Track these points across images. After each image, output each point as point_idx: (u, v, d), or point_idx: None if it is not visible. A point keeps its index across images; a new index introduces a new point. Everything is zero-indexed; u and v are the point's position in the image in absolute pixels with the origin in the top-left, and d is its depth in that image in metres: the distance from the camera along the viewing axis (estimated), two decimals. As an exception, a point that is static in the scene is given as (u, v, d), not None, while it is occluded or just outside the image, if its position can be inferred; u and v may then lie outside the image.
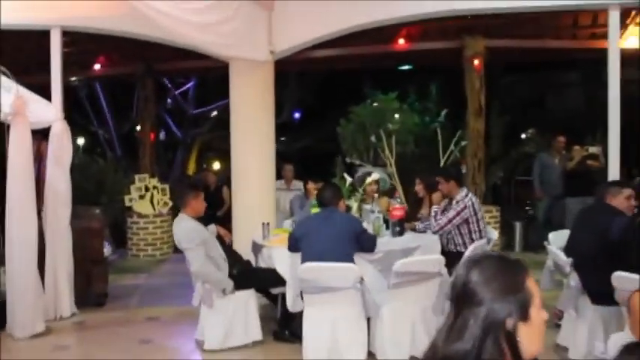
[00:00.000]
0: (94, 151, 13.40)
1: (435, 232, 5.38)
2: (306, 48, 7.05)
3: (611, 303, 4.02)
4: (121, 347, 5.18)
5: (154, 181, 9.46)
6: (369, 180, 6.11)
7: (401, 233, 5.36)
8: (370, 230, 5.14)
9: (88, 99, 15.40)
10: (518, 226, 9.15)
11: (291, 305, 4.88)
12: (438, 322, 4.61)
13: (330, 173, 8.31)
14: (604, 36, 8.80)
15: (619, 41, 5.74)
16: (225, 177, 10.60)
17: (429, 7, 6.22)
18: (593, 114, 14.06)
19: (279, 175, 7.66)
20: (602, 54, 9.17)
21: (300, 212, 6.93)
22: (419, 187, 6.26)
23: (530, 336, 1.38)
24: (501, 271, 1.42)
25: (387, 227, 5.49)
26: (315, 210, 5.29)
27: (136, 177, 9.47)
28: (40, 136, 6.10)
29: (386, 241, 5.11)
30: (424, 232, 5.64)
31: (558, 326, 4.80)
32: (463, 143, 8.52)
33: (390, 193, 7.02)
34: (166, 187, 9.55)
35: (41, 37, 6.22)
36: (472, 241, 5.33)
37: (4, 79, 5.39)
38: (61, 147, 5.96)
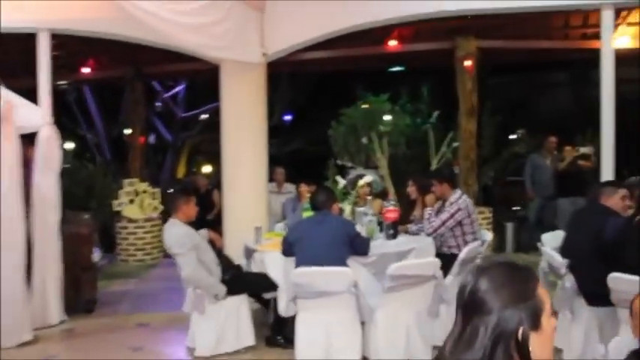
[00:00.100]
0: (83, 156, 13.25)
1: (428, 235, 5.34)
2: (297, 50, 7.01)
3: (606, 304, 3.99)
4: (111, 354, 5.10)
5: (144, 185, 9.37)
6: (361, 182, 6.06)
7: (394, 236, 5.31)
8: (363, 233, 5.09)
9: (76, 103, 15.25)
10: (509, 227, 9.14)
11: (284, 310, 4.82)
12: (433, 325, 4.59)
13: (322, 176, 8.26)
14: (595, 36, 8.83)
15: (611, 41, 5.71)
16: (215, 180, 10.54)
17: (420, 8, 6.19)
18: (583, 114, 14.12)
19: (270, 178, 7.60)
20: (594, 54, 9.20)
21: (293, 215, 6.88)
22: (411, 189, 6.22)
23: (541, 345, 1.34)
24: (511, 279, 1.37)
25: (381, 230, 5.45)
26: (308, 213, 5.24)
27: (126, 181, 9.38)
28: (27, 140, 6.00)
29: (379, 244, 5.06)
30: (417, 234, 5.59)
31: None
32: (455, 144, 8.52)
33: (382, 195, 6.99)
34: (156, 191, 9.46)
35: (28, 39, 6.12)
36: (466, 243, 5.28)
37: (-10, 83, 5.30)
38: (50, 152, 5.87)
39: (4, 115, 5.24)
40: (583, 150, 8.41)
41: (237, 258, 5.56)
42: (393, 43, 9.21)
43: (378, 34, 8.66)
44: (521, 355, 1.32)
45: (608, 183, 4.72)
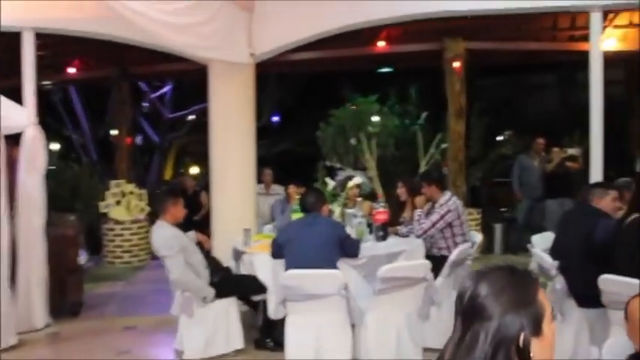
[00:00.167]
0: (68, 157, 13.12)
1: (418, 236, 5.31)
2: (286, 50, 6.97)
3: (597, 305, 3.99)
4: (97, 358, 5.02)
5: (131, 187, 9.28)
6: (351, 184, 6.04)
7: (384, 238, 5.29)
8: (353, 235, 5.06)
9: (62, 103, 15.10)
10: (498, 228, 9.15)
11: (274, 313, 4.79)
12: (423, 327, 4.57)
13: (311, 177, 8.23)
14: (583, 38, 8.89)
15: (600, 43, 5.73)
16: (203, 181, 10.47)
17: (409, 9, 6.18)
18: (570, 116, 14.22)
19: (257, 180, 7.55)
20: (581, 56, 9.25)
21: (281, 217, 6.83)
22: (401, 191, 6.19)
23: (542, 351, 1.31)
24: (511, 284, 1.34)
25: (370, 231, 5.42)
26: (297, 215, 5.20)
27: (112, 182, 9.29)
28: (12, 141, 5.91)
29: (369, 246, 5.03)
30: (407, 236, 5.57)
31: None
32: (444, 145, 8.53)
33: (371, 196, 6.96)
34: (143, 192, 9.38)
35: (12, 38, 6.02)
36: (456, 244, 5.27)
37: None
38: (35, 153, 5.78)
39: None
40: (571, 151, 8.45)
41: (226, 260, 5.51)
42: (381, 44, 9.20)
43: (366, 35, 8.65)
44: None
45: (598, 184, 4.73)
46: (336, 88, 11.23)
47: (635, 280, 3.52)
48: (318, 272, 4.31)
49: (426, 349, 4.58)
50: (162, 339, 5.39)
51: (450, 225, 5.30)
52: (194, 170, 14.98)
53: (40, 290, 5.76)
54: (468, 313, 1.35)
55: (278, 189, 8.87)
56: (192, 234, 5.34)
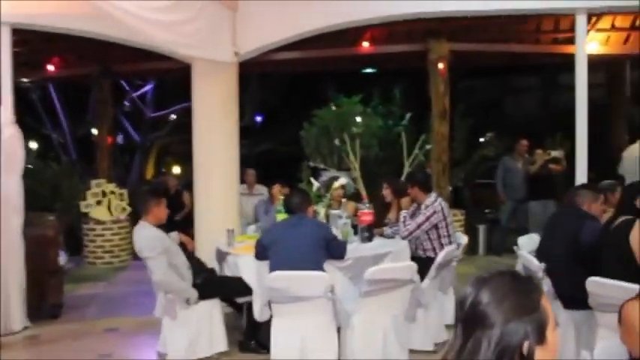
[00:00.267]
0: (47, 156, 12.90)
1: (403, 238, 5.29)
2: (269, 50, 6.91)
3: (583, 307, 3.99)
4: (78, 362, 4.93)
5: (112, 186, 9.16)
6: (336, 185, 6.00)
7: (370, 239, 5.26)
8: (339, 236, 5.02)
9: (40, 101, 14.86)
10: (481, 229, 9.18)
11: (259, 315, 4.73)
12: (410, 330, 4.55)
13: (294, 177, 8.17)
14: (566, 41, 8.97)
15: (585, 46, 5.75)
16: (184, 181, 10.36)
17: (393, 9, 6.18)
18: (552, 118, 14.35)
19: (240, 180, 7.48)
20: (565, 59, 9.31)
21: (265, 218, 6.77)
22: (386, 192, 6.17)
23: (546, 359, 1.27)
24: (514, 290, 1.31)
25: (355, 233, 5.39)
26: (282, 216, 5.15)
27: (93, 182, 9.15)
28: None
29: (355, 248, 4.99)
30: (393, 237, 5.55)
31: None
32: (428, 147, 8.52)
33: (355, 197, 6.93)
34: (124, 192, 9.26)
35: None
36: (441, 246, 5.26)
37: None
38: (13, 152, 5.65)
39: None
40: (554, 153, 8.49)
41: (209, 261, 5.43)
42: (366, 45, 9.17)
43: (351, 35, 8.62)
44: None
45: (585, 186, 4.73)
46: (320, 89, 11.20)
47: (622, 283, 3.53)
48: (304, 274, 4.26)
49: (412, 351, 4.56)
50: (145, 341, 5.31)
51: (435, 226, 5.28)
52: (176, 170, 14.84)
53: (18, 292, 5.64)
54: (470, 320, 1.31)
55: (261, 189, 8.81)
56: (175, 235, 5.26)
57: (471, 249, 9.06)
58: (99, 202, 8.96)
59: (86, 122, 13.95)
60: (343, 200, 6.30)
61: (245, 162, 7.38)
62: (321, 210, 5.53)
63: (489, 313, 1.28)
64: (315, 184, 6.00)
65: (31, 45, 8.16)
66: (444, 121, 8.90)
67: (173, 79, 12.65)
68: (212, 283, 5.00)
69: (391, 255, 4.86)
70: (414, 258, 5.07)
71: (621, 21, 8.63)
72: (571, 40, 8.72)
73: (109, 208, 8.99)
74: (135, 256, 7.47)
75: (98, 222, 8.90)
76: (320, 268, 4.39)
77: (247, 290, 4.84)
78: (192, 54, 6.19)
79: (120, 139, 15.22)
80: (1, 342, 5.29)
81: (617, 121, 11.22)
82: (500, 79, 16.65)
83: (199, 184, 6.54)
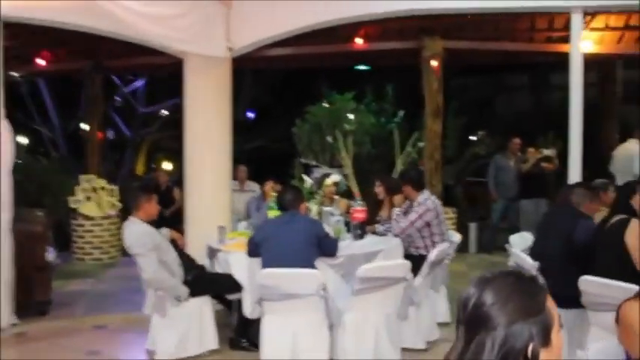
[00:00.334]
0: (36, 151, 12.79)
1: (396, 236, 5.26)
2: (263, 46, 6.85)
3: (576, 306, 3.98)
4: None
5: (102, 182, 9.07)
6: (328, 182, 5.96)
7: (362, 236, 5.23)
8: (331, 234, 4.98)
9: (30, 96, 14.72)
10: (472, 227, 9.17)
11: (250, 312, 4.69)
12: (402, 328, 4.52)
13: (286, 174, 8.13)
14: (560, 40, 8.96)
15: (580, 45, 5.74)
16: (175, 178, 10.29)
17: (388, 6, 6.14)
18: (543, 116, 14.37)
19: (232, 176, 7.42)
20: (558, 58, 9.30)
21: (257, 215, 6.72)
22: (379, 189, 6.13)
23: None
24: (518, 291, 1.27)
25: (348, 230, 5.35)
26: (274, 212, 5.11)
27: (82, 177, 9.06)
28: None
29: (347, 245, 4.96)
30: (385, 234, 5.51)
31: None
32: (420, 144, 8.50)
33: (347, 194, 6.89)
34: (114, 187, 9.18)
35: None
36: (434, 244, 5.23)
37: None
38: (2, 147, 5.56)
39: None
40: (546, 152, 8.50)
41: (200, 258, 5.38)
42: (359, 42, 9.13)
43: (344, 32, 8.58)
44: None
45: (579, 185, 4.71)
46: (313, 85, 11.15)
47: (615, 282, 3.52)
48: (296, 271, 4.22)
49: (403, 350, 4.53)
50: (134, 339, 5.24)
51: (428, 224, 5.25)
52: (166, 166, 14.75)
53: (5, 288, 5.54)
54: (472, 322, 1.27)
55: (252, 186, 8.77)
56: (165, 231, 5.21)
57: (462, 247, 9.05)
58: (88, 198, 8.87)
59: (76, 117, 13.83)
60: (335, 197, 6.26)
61: (236, 158, 7.33)
62: (313, 207, 5.49)
63: (493, 314, 1.25)
64: (308, 181, 5.96)
65: (21, 38, 8.06)
66: (437, 119, 8.87)
67: (164, 74, 12.57)
68: (203, 280, 4.96)
69: (384, 253, 4.83)
70: (406, 256, 5.04)
71: (615, 20, 8.62)
72: (565, 39, 8.72)
73: (98, 204, 8.91)
74: (124, 253, 7.39)
75: (87, 218, 8.81)
76: (312, 265, 4.36)
77: (238, 287, 4.79)
78: (186, 49, 6.13)
79: (110, 134, 15.11)
80: (-13, 339, 5.22)
81: (609, 120, 11.24)
82: (492, 78, 16.65)
83: (191, 180, 6.48)
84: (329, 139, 7.84)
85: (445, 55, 8.73)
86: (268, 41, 6.61)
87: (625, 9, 6.92)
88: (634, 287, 3.29)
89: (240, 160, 9.09)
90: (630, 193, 3.94)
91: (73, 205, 8.82)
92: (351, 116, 9.20)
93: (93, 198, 8.89)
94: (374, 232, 5.58)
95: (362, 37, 9.08)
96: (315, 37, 8.06)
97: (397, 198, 5.77)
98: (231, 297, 5.04)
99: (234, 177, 8.24)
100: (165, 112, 15.63)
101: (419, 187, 5.46)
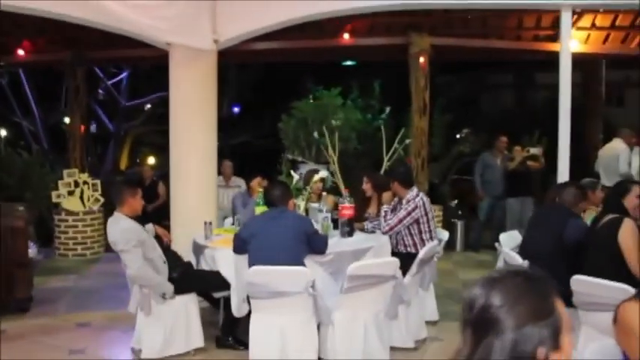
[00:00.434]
0: (17, 144, 12.57)
1: (384, 233, 5.21)
2: (248, 39, 6.76)
3: (566, 305, 3.96)
4: (48, 359, 4.73)
5: (85, 176, 8.92)
6: (316, 178, 5.90)
7: (350, 233, 5.18)
8: (319, 230, 4.92)
9: (10, 87, 14.46)
10: (459, 225, 9.17)
11: (237, 310, 4.62)
12: (391, 326, 4.48)
13: (274, 170, 8.05)
14: (548, 38, 8.97)
15: (569, 43, 5.73)
16: (159, 172, 10.16)
17: (376, 1, 6.08)
18: (528, 115, 14.44)
19: (217, 172, 7.33)
20: (544, 56, 9.32)
21: (243, 211, 6.63)
22: (367, 186, 6.08)
23: None
24: (528, 293, 1.22)
25: (335, 227, 5.29)
26: (261, 208, 5.04)
27: (65, 172, 8.90)
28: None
29: (335, 242, 4.90)
30: (373, 232, 5.47)
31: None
32: (407, 141, 8.46)
33: (333, 190, 6.84)
34: (97, 182, 9.03)
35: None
36: (422, 241, 5.19)
37: None
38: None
39: None
40: (533, 151, 8.51)
41: (186, 254, 5.30)
42: (346, 37, 9.06)
43: (331, 27, 8.51)
44: None
45: (569, 184, 4.69)
46: (299, 80, 11.08)
47: (607, 282, 3.50)
48: (285, 269, 4.15)
49: (392, 349, 4.49)
50: (118, 337, 5.15)
51: (416, 221, 5.21)
52: (150, 160, 14.61)
53: (-15, 285, 5.43)
54: (480, 324, 1.22)
55: (238, 181, 8.68)
56: (150, 227, 5.12)
57: (449, 245, 9.05)
58: (71, 193, 8.72)
59: (58, 110, 13.62)
60: (323, 194, 6.20)
61: (221, 153, 7.24)
62: (300, 203, 5.42)
63: (502, 317, 1.20)
64: (295, 177, 5.90)
65: (0, 28, 7.88)
66: (424, 116, 8.85)
67: (148, 67, 12.41)
68: (188, 278, 4.87)
69: (372, 250, 4.78)
70: (394, 253, 5.00)
71: (602, 20, 8.65)
72: (552, 38, 8.76)
73: (81, 198, 8.76)
74: (108, 248, 7.28)
75: (70, 213, 8.67)
76: (301, 262, 4.30)
77: (225, 285, 4.72)
78: (171, 40, 6.01)
79: (93, 128, 14.91)
80: (-34, 336, 5.09)
81: (593, 120, 11.30)
82: (477, 76, 16.70)
83: (176, 175, 6.38)
84: (315, 134, 7.78)
85: (431, 51, 8.70)
86: (255, 34, 6.52)
87: (613, 7, 6.93)
88: (625, 287, 3.29)
89: (224, 155, 9.00)
90: (623, 193, 3.93)
91: (55, 200, 8.68)
92: (337, 112, 9.14)
93: (75, 192, 8.75)
94: (362, 230, 5.53)
95: (349, 33, 9.01)
96: (302, 31, 7.98)
97: (385, 195, 5.72)
98: (218, 294, 4.96)
99: (219, 172, 8.15)
100: (148, 106, 15.46)
101: (407, 184, 5.38)
